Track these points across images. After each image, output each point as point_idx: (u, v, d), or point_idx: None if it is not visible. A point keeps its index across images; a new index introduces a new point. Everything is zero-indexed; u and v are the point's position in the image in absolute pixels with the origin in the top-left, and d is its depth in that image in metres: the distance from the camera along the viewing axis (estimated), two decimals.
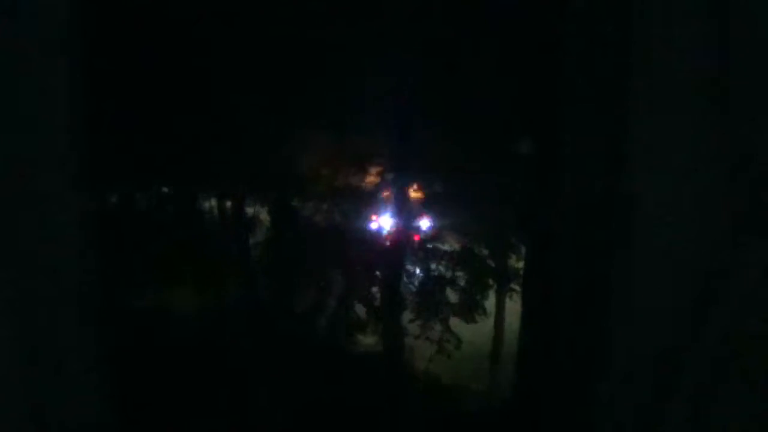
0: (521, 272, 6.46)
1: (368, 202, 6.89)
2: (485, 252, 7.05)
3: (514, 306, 7.10)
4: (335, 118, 5.88)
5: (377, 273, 7.05)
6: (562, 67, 1.57)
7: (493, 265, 7.06)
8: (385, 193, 6.85)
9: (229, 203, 7.90)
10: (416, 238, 7.14)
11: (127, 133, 4.95)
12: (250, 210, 8.04)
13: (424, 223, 7.13)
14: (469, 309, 6.93)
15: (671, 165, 1.26)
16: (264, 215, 7.71)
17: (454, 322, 6.94)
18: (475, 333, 7.18)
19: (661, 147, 1.28)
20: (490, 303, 7.25)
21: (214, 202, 8.18)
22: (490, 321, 7.41)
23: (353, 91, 5.44)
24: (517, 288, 6.85)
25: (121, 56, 4.40)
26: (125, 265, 5.71)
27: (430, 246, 7.12)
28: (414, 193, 6.85)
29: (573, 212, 1.60)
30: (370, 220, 7.05)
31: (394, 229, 6.75)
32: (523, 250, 6.05)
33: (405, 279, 6.95)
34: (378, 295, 7.11)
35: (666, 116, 1.27)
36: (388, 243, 6.81)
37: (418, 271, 7.10)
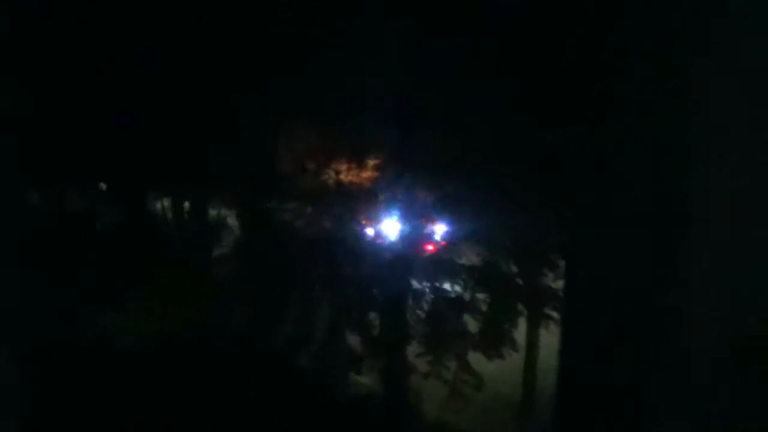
0: (560, 294, 6.58)
1: (365, 204, 7.00)
2: (513, 268, 7.15)
3: (550, 338, 7.31)
4: (323, 105, 6.20)
5: (376, 293, 7.15)
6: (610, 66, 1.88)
7: (522, 284, 7.16)
8: (387, 194, 6.93)
9: (189, 205, 8.20)
10: (426, 248, 7.26)
11: (89, 132, 5.41)
12: (214, 213, 8.29)
13: (436, 231, 7.21)
14: (493, 341, 7.02)
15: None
16: (233, 220, 7.90)
17: (474, 358, 7.06)
18: (501, 372, 7.36)
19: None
20: (520, 333, 7.41)
21: (167, 203, 8.51)
22: (521, 357, 7.60)
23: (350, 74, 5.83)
24: (555, 315, 7.06)
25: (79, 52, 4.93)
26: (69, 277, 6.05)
27: (443, 259, 7.24)
28: (423, 195, 6.96)
29: (625, 218, 1.81)
30: (368, 227, 7.17)
31: (397, 238, 6.91)
32: (563, 266, 6.13)
33: (411, 301, 7.10)
34: (377, 322, 7.27)
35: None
36: (390, 255, 6.91)
37: (427, 291, 7.19)
